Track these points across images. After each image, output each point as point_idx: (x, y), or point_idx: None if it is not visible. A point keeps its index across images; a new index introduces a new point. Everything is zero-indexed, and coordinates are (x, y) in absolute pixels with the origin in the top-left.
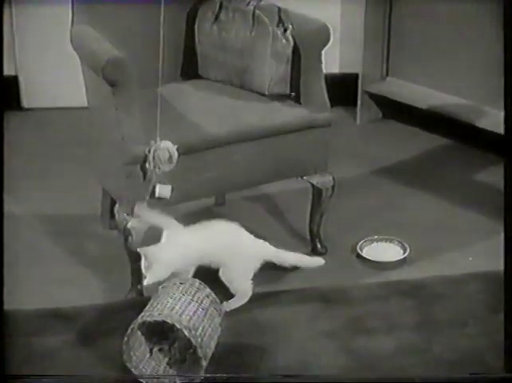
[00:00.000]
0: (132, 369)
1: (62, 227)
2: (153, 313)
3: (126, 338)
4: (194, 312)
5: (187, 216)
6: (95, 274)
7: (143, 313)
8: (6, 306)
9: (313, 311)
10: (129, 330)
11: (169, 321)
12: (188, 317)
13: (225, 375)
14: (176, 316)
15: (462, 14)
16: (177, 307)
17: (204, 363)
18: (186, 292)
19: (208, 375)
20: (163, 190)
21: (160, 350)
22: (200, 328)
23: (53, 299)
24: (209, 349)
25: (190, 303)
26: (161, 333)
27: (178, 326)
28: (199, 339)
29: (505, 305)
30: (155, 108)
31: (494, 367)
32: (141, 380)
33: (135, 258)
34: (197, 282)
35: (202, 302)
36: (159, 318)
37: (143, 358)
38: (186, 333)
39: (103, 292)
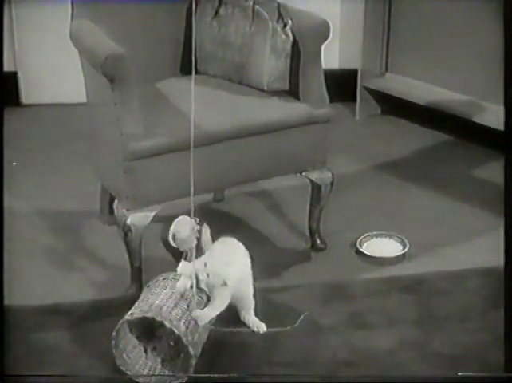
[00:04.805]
0: (128, 372)
1: (61, 222)
2: (134, 311)
3: (113, 341)
4: (176, 304)
5: (185, 212)
6: (94, 269)
7: (131, 312)
8: (6, 302)
9: (313, 307)
10: (114, 332)
11: (158, 319)
12: (169, 309)
13: (224, 375)
14: (166, 314)
15: (462, 10)
16: (157, 302)
17: (194, 362)
18: (167, 286)
19: (208, 375)
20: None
21: (154, 349)
22: (183, 319)
23: (52, 295)
24: (197, 338)
25: (171, 296)
26: (150, 331)
27: (168, 325)
28: (183, 328)
29: (505, 300)
30: (154, 103)
31: (493, 362)
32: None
33: (135, 254)
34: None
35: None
36: (139, 315)
37: (139, 360)
38: (176, 331)
39: (102, 288)
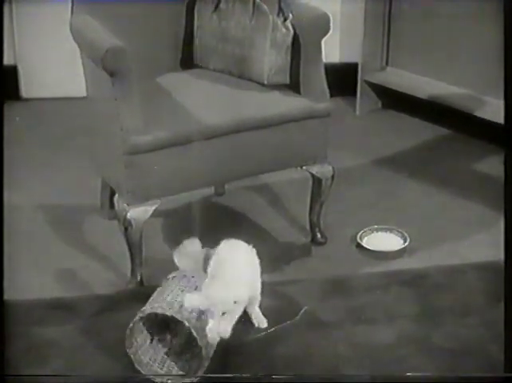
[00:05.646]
0: (131, 356)
1: (62, 217)
2: (163, 305)
3: (132, 324)
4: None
5: (186, 206)
6: (95, 264)
7: (152, 305)
8: (6, 297)
9: (313, 301)
10: (137, 317)
11: (179, 317)
12: (197, 316)
13: (224, 375)
14: (186, 313)
15: (462, 4)
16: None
17: (206, 363)
18: (197, 287)
19: (208, 375)
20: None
21: (160, 340)
22: (207, 327)
23: (53, 289)
24: (212, 349)
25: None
26: (163, 323)
27: (187, 324)
28: (205, 340)
29: (505, 295)
30: (154, 98)
31: (493, 357)
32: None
33: (135, 248)
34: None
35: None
36: (169, 313)
37: (143, 344)
38: (194, 333)
39: (103, 282)
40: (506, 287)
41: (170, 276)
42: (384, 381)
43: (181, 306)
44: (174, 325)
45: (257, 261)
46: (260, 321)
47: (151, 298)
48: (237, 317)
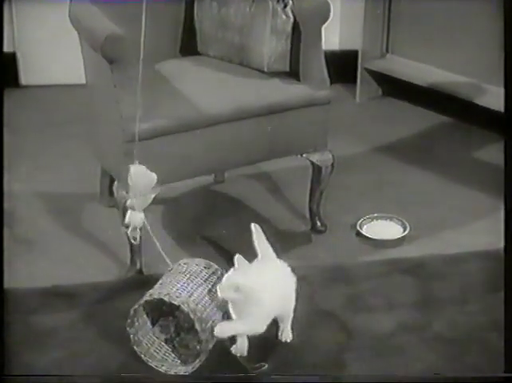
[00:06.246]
0: (131, 336)
1: (61, 204)
2: (171, 293)
3: (137, 306)
4: (210, 304)
5: (185, 194)
6: (94, 251)
7: (160, 290)
8: (6, 285)
9: (313, 289)
10: (142, 301)
11: (185, 308)
12: (203, 308)
13: (224, 375)
14: (193, 304)
15: None
16: (195, 295)
17: (204, 357)
18: (207, 279)
19: (207, 375)
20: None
21: (162, 325)
22: (210, 321)
23: (52, 277)
24: (211, 343)
25: (207, 294)
26: (169, 309)
27: (192, 316)
28: (207, 333)
29: (505, 283)
30: (153, 85)
31: (492, 345)
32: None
33: None
34: (219, 271)
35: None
36: (177, 302)
37: (144, 326)
38: (197, 326)
39: (102, 270)
40: (505, 275)
41: (181, 262)
42: (384, 381)
43: (189, 296)
44: (179, 314)
45: (291, 279)
46: (286, 335)
47: (160, 281)
48: (249, 327)
